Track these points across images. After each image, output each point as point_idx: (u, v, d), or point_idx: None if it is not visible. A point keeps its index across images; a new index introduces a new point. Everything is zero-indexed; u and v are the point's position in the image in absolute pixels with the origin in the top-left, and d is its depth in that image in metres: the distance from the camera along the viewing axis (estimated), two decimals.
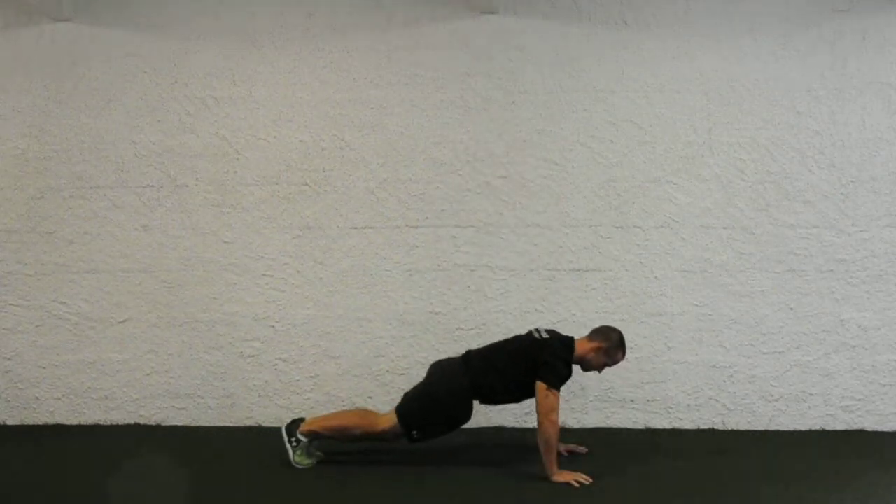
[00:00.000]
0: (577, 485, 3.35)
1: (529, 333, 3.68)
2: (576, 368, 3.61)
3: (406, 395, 3.66)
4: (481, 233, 4.26)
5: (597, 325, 4.19)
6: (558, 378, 3.45)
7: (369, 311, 4.28)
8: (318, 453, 3.65)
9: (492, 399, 3.65)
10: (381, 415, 3.68)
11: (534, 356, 3.49)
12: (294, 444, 3.59)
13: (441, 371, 3.66)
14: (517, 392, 3.57)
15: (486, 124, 4.25)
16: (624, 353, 3.64)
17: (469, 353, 3.70)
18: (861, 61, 4.20)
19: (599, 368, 3.63)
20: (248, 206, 4.30)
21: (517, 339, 3.67)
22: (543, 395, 3.40)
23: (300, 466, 3.57)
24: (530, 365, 3.48)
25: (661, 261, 4.24)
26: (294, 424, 3.64)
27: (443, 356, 4.22)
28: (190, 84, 4.31)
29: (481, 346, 3.78)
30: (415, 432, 3.55)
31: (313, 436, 3.61)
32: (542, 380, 3.42)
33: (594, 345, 3.59)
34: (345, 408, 4.22)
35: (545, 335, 3.61)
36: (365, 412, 3.79)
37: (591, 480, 3.37)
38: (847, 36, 4.21)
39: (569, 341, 3.59)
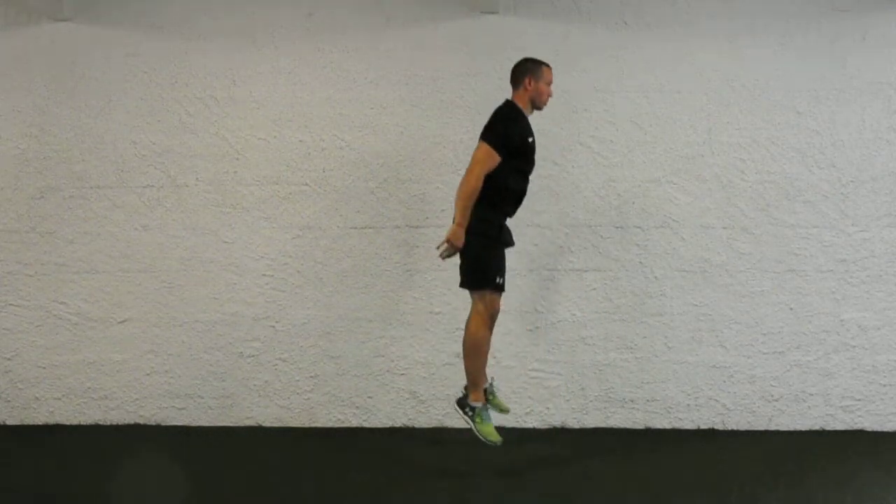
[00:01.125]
0: (441, 249, 3.36)
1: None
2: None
3: (461, 271, 3.53)
4: None
5: (597, 324, 4.20)
6: (494, 133, 3.41)
7: (369, 311, 4.28)
8: (499, 403, 3.57)
9: (504, 208, 3.53)
10: (472, 314, 3.49)
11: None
12: (470, 415, 3.44)
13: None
14: (509, 189, 3.49)
15: None
16: (548, 66, 3.59)
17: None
18: (861, 61, 4.20)
19: (545, 95, 3.57)
20: (248, 206, 4.30)
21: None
22: (476, 150, 3.39)
23: (490, 441, 3.40)
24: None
25: (661, 261, 4.24)
26: (462, 400, 3.51)
27: (443, 356, 4.24)
28: (190, 84, 4.31)
29: None
30: (498, 279, 3.47)
31: (482, 394, 3.47)
32: (480, 138, 3.42)
33: (523, 85, 3.54)
34: (344, 409, 4.22)
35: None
36: (473, 326, 3.47)
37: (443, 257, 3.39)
38: (847, 36, 4.21)
39: (508, 102, 3.55)
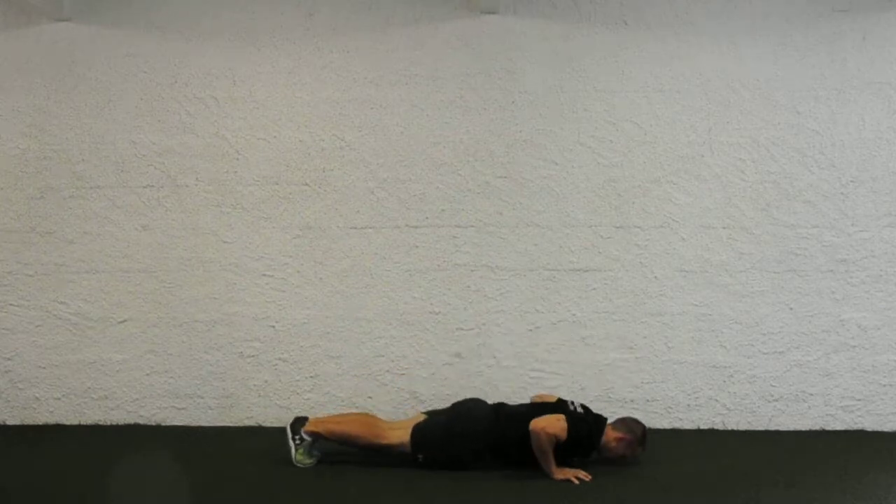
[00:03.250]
0: (576, 481, 3.36)
1: (564, 403, 3.67)
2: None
3: (426, 424, 3.59)
4: (481, 233, 4.26)
5: (597, 324, 4.20)
6: (577, 431, 3.43)
7: (369, 311, 4.28)
8: (317, 454, 3.65)
9: (507, 456, 3.58)
10: (388, 427, 3.65)
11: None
12: (297, 441, 3.59)
13: (468, 412, 3.65)
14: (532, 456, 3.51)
15: (486, 124, 4.25)
16: (644, 449, 3.63)
17: (502, 406, 3.71)
18: (861, 61, 4.20)
19: (616, 457, 3.61)
20: (248, 206, 4.30)
21: (551, 408, 3.61)
22: (555, 417, 3.42)
23: (301, 465, 3.58)
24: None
25: (660, 261, 4.24)
26: (298, 423, 3.64)
27: (443, 356, 4.24)
28: (190, 84, 4.31)
29: (514, 403, 3.80)
30: (420, 456, 3.54)
31: (317, 437, 3.61)
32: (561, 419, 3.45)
33: (618, 435, 3.59)
34: (344, 409, 4.22)
35: (580, 410, 3.61)
36: (372, 422, 3.69)
37: (590, 477, 3.38)
38: (847, 36, 4.21)
39: (602, 422, 3.61)
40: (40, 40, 4.32)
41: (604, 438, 3.57)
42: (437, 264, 4.28)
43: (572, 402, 3.67)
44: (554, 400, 3.76)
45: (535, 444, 3.41)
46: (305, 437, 3.60)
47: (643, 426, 3.65)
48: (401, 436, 3.57)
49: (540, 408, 3.63)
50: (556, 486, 3.35)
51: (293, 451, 3.58)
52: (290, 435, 3.61)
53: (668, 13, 4.24)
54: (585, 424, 3.53)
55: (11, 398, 4.34)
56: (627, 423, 3.64)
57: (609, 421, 3.66)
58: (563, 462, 3.48)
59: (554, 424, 3.40)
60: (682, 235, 4.24)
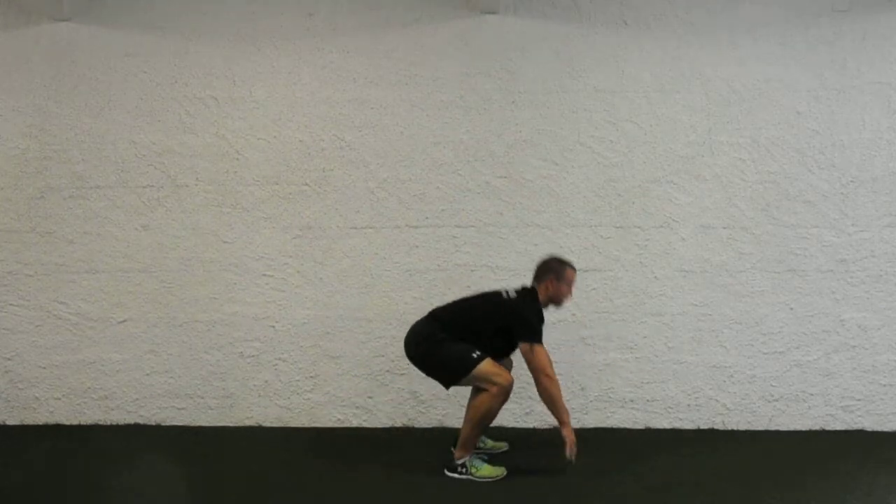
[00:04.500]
0: (568, 452, 3.35)
1: (497, 293, 3.61)
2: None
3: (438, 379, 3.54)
4: (481, 233, 4.26)
5: (597, 325, 4.20)
6: (536, 332, 3.44)
7: (369, 311, 4.28)
8: (485, 457, 3.56)
9: (474, 342, 3.49)
10: (484, 394, 3.43)
11: (505, 318, 3.48)
12: (463, 471, 3.46)
13: (417, 335, 3.55)
14: (489, 347, 3.47)
15: (486, 124, 4.26)
16: (572, 269, 3.63)
17: (435, 311, 3.62)
18: (861, 61, 4.20)
19: (565, 297, 3.62)
20: (248, 206, 4.30)
21: (484, 300, 3.60)
22: (529, 354, 3.40)
23: (490, 479, 3.43)
24: (501, 325, 3.47)
25: (661, 261, 4.24)
26: (451, 463, 3.49)
27: None
28: (190, 84, 4.31)
29: (445, 303, 3.71)
30: (475, 354, 3.41)
31: (467, 451, 3.48)
32: (522, 340, 3.43)
33: (546, 282, 3.58)
34: (345, 409, 4.22)
35: (513, 295, 3.57)
36: (486, 399, 3.41)
37: (572, 460, 3.36)
38: (847, 36, 4.21)
39: (533, 293, 3.58)
40: (40, 40, 4.32)
41: (543, 299, 3.57)
42: (437, 264, 4.28)
43: (506, 291, 3.61)
44: (485, 293, 3.68)
45: (544, 393, 3.38)
46: (460, 462, 3.46)
47: (553, 257, 3.66)
48: (505, 377, 3.41)
49: (475, 304, 3.58)
50: (557, 486, 3.35)
51: (474, 478, 3.43)
52: (457, 475, 3.46)
53: (668, 13, 4.24)
54: (532, 304, 3.52)
55: (11, 398, 4.34)
56: (542, 269, 3.62)
57: (532, 284, 3.63)
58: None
59: (542, 360, 3.39)
60: (682, 235, 4.24)
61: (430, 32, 4.27)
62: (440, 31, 4.27)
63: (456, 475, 3.46)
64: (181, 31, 4.31)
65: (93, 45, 4.32)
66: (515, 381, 3.48)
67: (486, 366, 3.39)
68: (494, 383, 3.37)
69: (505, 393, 3.38)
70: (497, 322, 3.49)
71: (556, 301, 3.62)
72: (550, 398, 3.38)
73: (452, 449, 3.56)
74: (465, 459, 3.47)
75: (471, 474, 3.44)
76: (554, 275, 3.59)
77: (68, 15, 4.30)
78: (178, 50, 4.31)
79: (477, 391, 3.50)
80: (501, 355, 3.58)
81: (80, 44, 4.32)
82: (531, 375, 3.42)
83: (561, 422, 3.39)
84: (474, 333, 3.47)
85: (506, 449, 3.82)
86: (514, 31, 4.26)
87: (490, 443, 3.83)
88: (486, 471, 3.45)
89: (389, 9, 4.28)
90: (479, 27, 4.26)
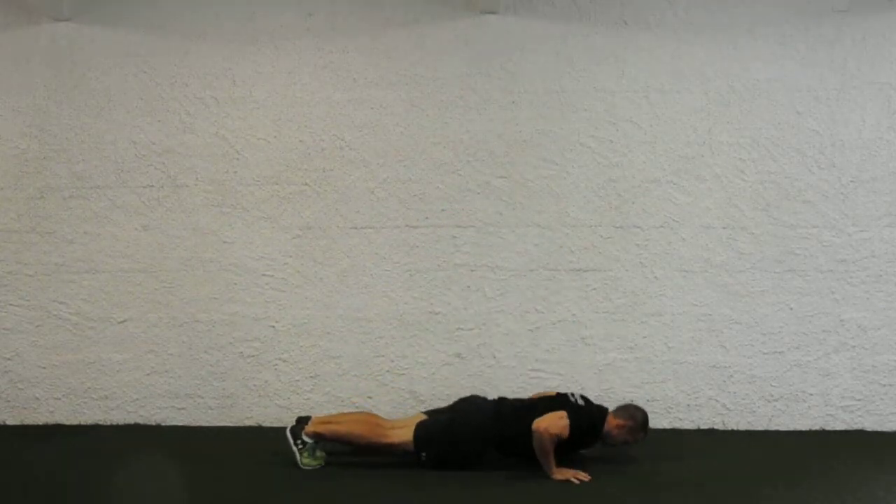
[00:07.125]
0: (576, 482, 3.36)
1: (565, 396, 3.67)
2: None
3: (428, 422, 3.60)
4: (481, 233, 4.26)
5: (597, 325, 4.20)
6: (580, 424, 3.47)
7: (369, 311, 4.28)
8: (323, 454, 3.63)
9: (511, 451, 3.62)
10: (390, 426, 3.64)
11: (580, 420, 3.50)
12: (300, 446, 3.57)
13: (470, 409, 3.67)
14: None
15: (486, 124, 4.25)
16: (646, 434, 3.65)
17: (503, 401, 3.74)
18: (861, 61, 4.20)
19: (619, 444, 3.64)
20: (248, 206, 4.30)
21: (552, 401, 3.63)
22: (556, 416, 3.43)
23: (307, 468, 3.56)
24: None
25: (661, 261, 4.24)
26: (299, 426, 3.63)
27: (443, 356, 4.24)
28: (190, 84, 4.31)
29: (515, 398, 3.83)
30: (424, 455, 3.53)
31: (318, 437, 3.60)
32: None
33: (619, 422, 3.60)
34: (344, 409, 4.22)
35: (580, 402, 3.62)
36: (374, 422, 3.68)
37: (589, 478, 3.39)
38: (847, 36, 4.21)
39: (604, 412, 3.63)
40: (40, 40, 4.32)
41: (606, 427, 3.58)
42: (437, 264, 4.28)
43: (573, 395, 3.68)
44: (553, 394, 3.76)
45: (536, 444, 3.41)
46: (307, 439, 3.58)
47: (643, 411, 3.66)
48: (403, 434, 3.56)
49: (540, 402, 3.64)
50: (557, 486, 3.36)
51: (297, 455, 3.56)
52: (291, 440, 3.59)
53: (668, 13, 4.24)
54: (588, 416, 3.55)
55: (11, 398, 4.34)
56: (628, 410, 3.66)
57: (610, 410, 3.68)
58: (569, 454, 3.51)
59: (556, 424, 3.41)
60: (682, 235, 4.24)
61: (430, 32, 4.27)
62: (440, 31, 4.27)
63: (292, 440, 3.58)
64: (181, 31, 4.31)
65: (93, 45, 4.32)
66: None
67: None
68: (389, 439, 3.59)
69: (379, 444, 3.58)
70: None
71: (608, 439, 3.61)
72: (541, 447, 3.41)
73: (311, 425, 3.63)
74: (311, 442, 3.57)
75: (300, 455, 3.55)
76: (632, 423, 3.59)
77: (68, 15, 4.30)
78: (178, 50, 4.31)
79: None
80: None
81: (80, 44, 4.32)
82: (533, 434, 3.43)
83: (550, 472, 3.42)
84: (528, 431, 3.45)
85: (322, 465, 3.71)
86: (514, 31, 4.26)
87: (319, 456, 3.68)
88: (312, 462, 3.56)
89: (389, 9, 4.28)
90: (479, 27, 4.26)
